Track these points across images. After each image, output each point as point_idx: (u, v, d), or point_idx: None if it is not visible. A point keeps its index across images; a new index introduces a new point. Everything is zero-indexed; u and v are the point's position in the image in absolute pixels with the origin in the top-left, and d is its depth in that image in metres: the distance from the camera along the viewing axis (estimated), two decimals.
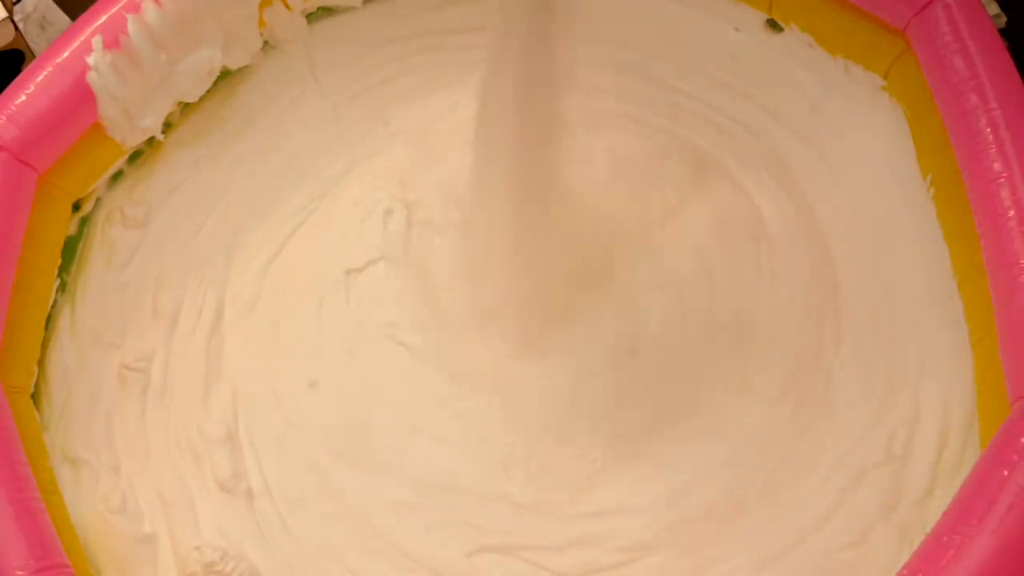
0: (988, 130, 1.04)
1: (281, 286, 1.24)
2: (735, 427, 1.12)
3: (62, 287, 1.19)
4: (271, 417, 1.17)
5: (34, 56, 1.33)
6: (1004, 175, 1.02)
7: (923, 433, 1.08)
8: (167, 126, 1.26)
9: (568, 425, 1.15)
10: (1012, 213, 1.01)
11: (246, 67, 1.31)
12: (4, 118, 1.09)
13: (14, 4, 1.35)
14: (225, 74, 1.28)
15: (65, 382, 1.16)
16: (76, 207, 1.21)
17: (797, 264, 1.19)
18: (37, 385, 1.13)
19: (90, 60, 1.12)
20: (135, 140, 1.22)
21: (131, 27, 1.14)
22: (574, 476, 1.12)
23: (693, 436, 1.13)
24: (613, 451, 1.13)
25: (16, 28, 1.31)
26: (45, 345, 1.16)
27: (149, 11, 1.14)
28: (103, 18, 1.14)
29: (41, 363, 1.15)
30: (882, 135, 1.21)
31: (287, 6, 1.30)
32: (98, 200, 1.24)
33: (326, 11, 1.35)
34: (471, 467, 1.14)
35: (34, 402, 1.12)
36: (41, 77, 1.11)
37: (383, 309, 1.21)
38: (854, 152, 1.22)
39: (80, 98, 1.13)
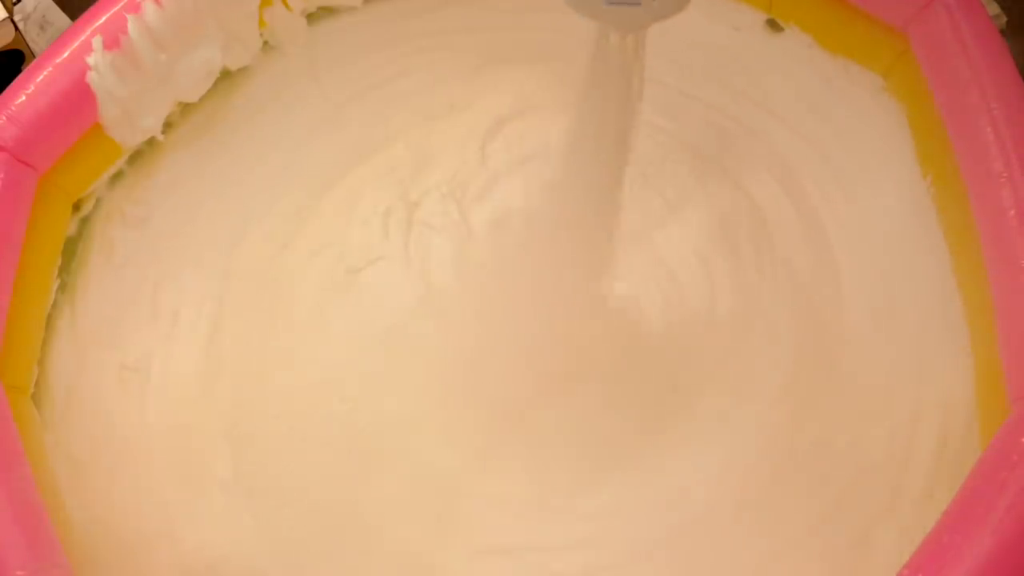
0: (988, 130, 1.03)
1: (281, 286, 1.24)
2: (735, 427, 1.12)
3: (62, 287, 1.19)
4: (271, 417, 1.17)
5: (34, 56, 1.33)
6: (1004, 175, 1.02)
7: (923, 433, 1.08)
8: (167, 126, 1.25)
9: (568, 425, 1.15)
10: (1012, 213, 1.01)
11: (246, 67, 1.31)
12: (4, 118, 1.09)
13: (14, 4, 1.35)
14: (225, 74, 1.28)
15: (65, 382, 1.16)
16: (76, 207, 1.21)
17: (797, 264, 1.19)
18: (37, 385, 1.13)
19: (90, 60, 1.12)
20: (135, 140, 1.22)
21: (131, 27, 1.14)
22: (575, 477, 1.12)
23: (693, 437, 1.13)
24: (614, 452, 1.13)
25: (16, 28, 1.31)
26: (45, 345, 1.16)
27: (149, 11, 1.14)
28: (103, 18, 1.14)
29: (41, 363, 1.14)
30: (882, 135, 1.21)
31: (287, 6, 1.30)
32: (98, 200, 1.23)
33: (326, 11, 1.35)
34: (471, 467, 1.14)
35: (34, 402, 1.12)
36: (41, 77, 1.11)
37: (383, 309, 1.22)
38: (854, 152, 1.22)
39: (80, 98, 1.13)
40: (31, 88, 1.11)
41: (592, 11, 0.87)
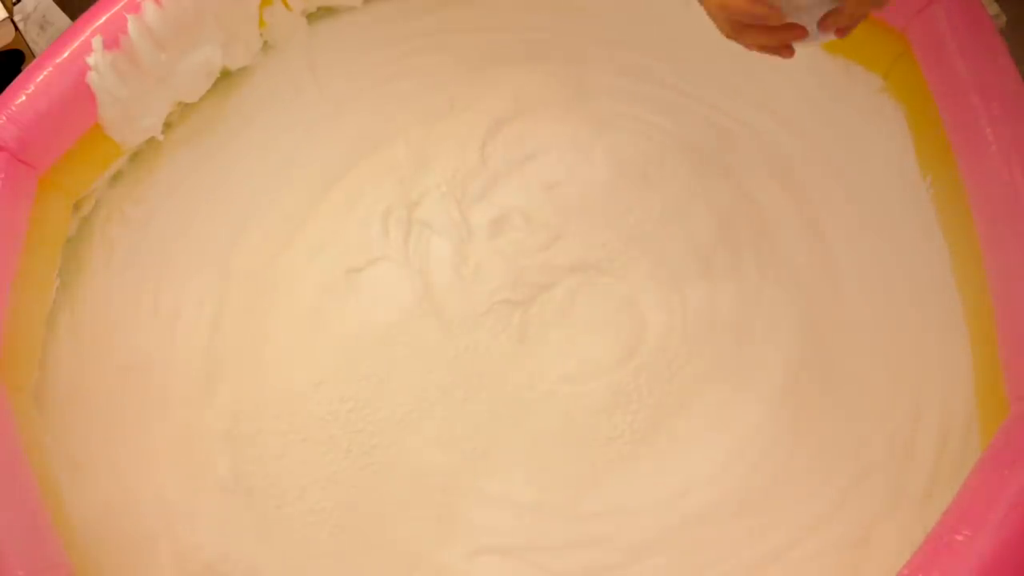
0: (988, 130, 1.03)
1: (281, 286, 1.24)
2: (735, 427, 1.12)
3: (62, 287, 1.19)
4: (271, 417, 1.17)
5: (34, 56, 1.33)
6: (1004, 175, 1.02)
7: (923, 433, 1.08)
8: (167, 126, 1.26)
9: (568, 425, 1.15)
10: (1012, 213, 1.01)
11: (246, 67, 1.31)
12: (4, 118, 1.09)
13: (14, 4, 1.35)
14: (225, 74, 1.28)
15: (65, 382, 1.16)
16: (76, 207, 1.21)
17: (797, 264, 1.19)
18: (37, 385, 1.13)
19: (90, 60, 1.12)
20: (135, 140, 1.22)
21: (131, 27, 1.14)
22: (574, 476, 1.12)
23: (693, 436, 1.13)
24: (613, 451, 1.13)
25: (16, 28, 1.31)
26: (45, 345, 1.16)
27: (149, 11, 1.14)
28: (103, 18, 1.14)
29: (41, 363, 1.15)
30: (882, 135, 1.21)
31: (287, 6, 1.30)
32: (98, 200, 1.23)
33: (326, 11, 1.35)
34: (471, 467, 1.14)
35: (34, 402, 1.12)
36: (41, 77, 1.11)
37: (383, 309, 1.21)
38: (854, 152, 1.22)
39: (80, 98, 1.13)
40: (31, 88, 1.11)
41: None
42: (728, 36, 0.86)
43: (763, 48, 0.86)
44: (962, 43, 1.07)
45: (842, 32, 0.82)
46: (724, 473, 1.10)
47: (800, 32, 0.82)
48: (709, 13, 0.86)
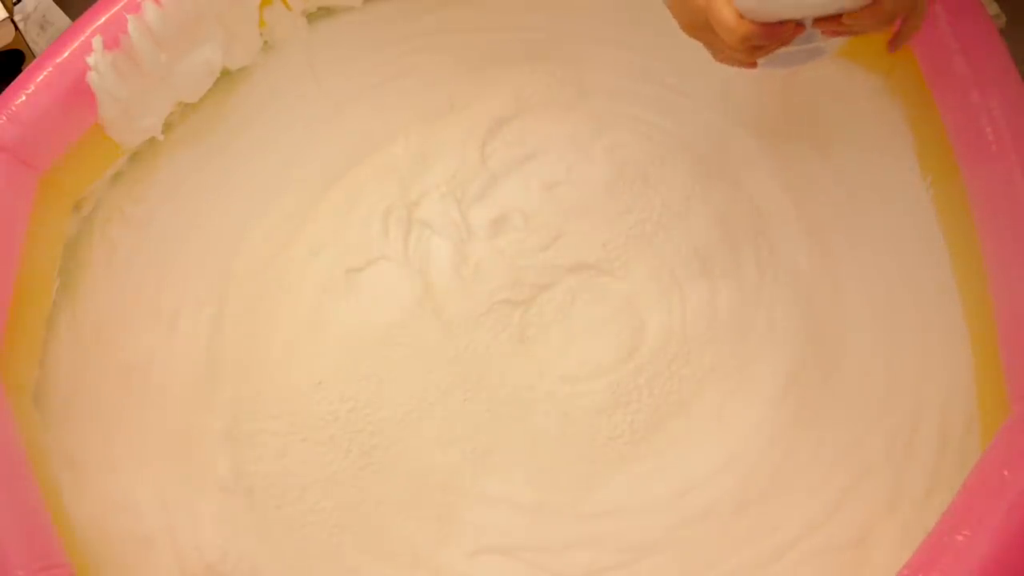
0: (988, 130, 1.03)
1: (281, 285, 1.24)
2: (735, 427, 1.13)
3: (62, 287, 1.19)
4: (271, 417, 1.17)
5: (34, 56, 1.33)
6: (1004, 175, 1.02)
7: (923, 433, 1.08)
8: (167, 126, 1.25)
9: (568, 425, 1.15)
10: (1012, 213, 1.01)
11: (246, 67, 1.31)
12: (4, 118, 1.09)
13: (14, 4, 1.35)
14: (225, 74, 1.28)
15: (65, 382, 1.16)
16: (76, 207, 1.21)
17: (797, 264, 1.19)
18: (38, 385, 1.13)
19: (90, 60, 1.12)
20: (135, 140, 1.22)
21: (131, 27, 1.13)
22: (574, 476, 1.13)
23: (693, 437, 1.13)
24: (613, 451, 1.13)
25: (16, 28, 1.31)
26: (46, 345, 1.16)
27: (149, 11, 1.14)
28: (103, 18, 1.14)
29: (41, 363, 1.15)
30: (882, 135, 1.21)
31: (287, 6, 1.30)
32: (98, 200, 1.23)
33: (326, 11, 1.35)
34: (471, 467, 1.14)
35: (34, 402, 1.12)
36: (41, 77, 1.11)
37: (383, 309, 1.21)
38: (854, 152, 1.22)
39: (80, 98, 1.13)
40: (31, 88, 1.11)
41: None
42: (745, 65, 0.87)
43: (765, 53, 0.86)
44: (962, 43, 1.07)
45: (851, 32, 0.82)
46: (724, 473, 1.10)
47: (799, 28, 0.83)
48: (721, 46, 0.86)
